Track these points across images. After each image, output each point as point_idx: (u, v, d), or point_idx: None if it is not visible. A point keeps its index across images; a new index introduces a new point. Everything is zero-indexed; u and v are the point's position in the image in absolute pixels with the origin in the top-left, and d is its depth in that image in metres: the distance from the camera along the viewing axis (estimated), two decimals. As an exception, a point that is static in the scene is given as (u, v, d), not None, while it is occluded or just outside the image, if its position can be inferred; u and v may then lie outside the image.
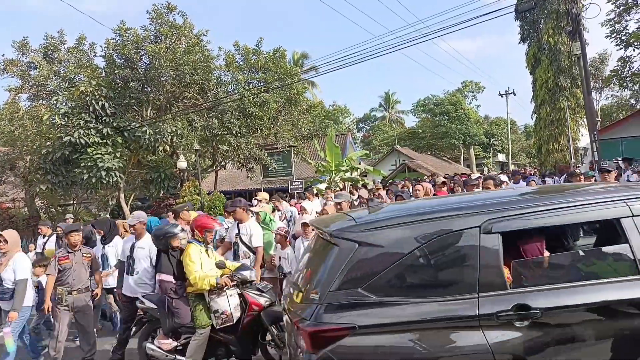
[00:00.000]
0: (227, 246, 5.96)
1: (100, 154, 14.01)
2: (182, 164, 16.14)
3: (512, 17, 25.45)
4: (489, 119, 51.75)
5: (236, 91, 16.96)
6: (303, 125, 19.62)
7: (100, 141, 14.17)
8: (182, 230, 5.03)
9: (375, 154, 43.76)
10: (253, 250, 5.69)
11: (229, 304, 4.55)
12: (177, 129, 15.25)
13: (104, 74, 15.56)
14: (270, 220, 6.19)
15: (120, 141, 14.64)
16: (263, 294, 4.76)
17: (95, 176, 14.03)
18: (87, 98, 14.03)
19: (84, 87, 14.10)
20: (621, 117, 29.79)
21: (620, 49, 23.90)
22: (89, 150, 13.95)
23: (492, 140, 46.50)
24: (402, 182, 12.43)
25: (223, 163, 19.72)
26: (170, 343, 4.72)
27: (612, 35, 23.55)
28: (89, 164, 13.91)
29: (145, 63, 15.21)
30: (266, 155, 18.80)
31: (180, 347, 4.77)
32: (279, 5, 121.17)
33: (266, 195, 8.34)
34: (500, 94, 36.78)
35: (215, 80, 16.66)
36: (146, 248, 5.41)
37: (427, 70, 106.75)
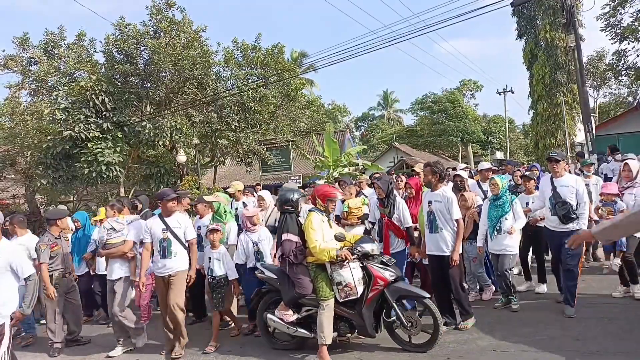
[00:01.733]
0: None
1: (101, 148, 14.08)
2: (181, 157, 16.24)
3: (510, 15, 25.71)
4: (487, 117, 51.92)
5: (235, 86, 17.09)
6: (301, 120, 19.75)
7: (100, 136, 14.25)
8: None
9: (374, 152, 43.92)
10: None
11: (352, 276, 4.35)
12: (177, 123, 15.36)
13: (103, 69, 15.63)
14: (225, 211, 6.00)
15: (120, 136, 14.73)
16: (388, 267, 4.53)
17: (95, 170, 14.12)
18: (87, 93, 14.12)
19: (84, 82, 14.19)
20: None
21: (615, 42, 24.14)
22: (89, 144, 14.03)
23: (490, 138, 46.67)
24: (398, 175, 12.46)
25: (222, 159, 19.83)
26: (291, 314, 4.57)
27: (607, 29, 23.75)
28: (90, 158, 13.99)
29: (144, 58, 15.30)
30: (265, 150, 18.93)
31: (301, 320, 4.65)
32: (278, 3, 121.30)
33: (240, 187, 8.08)
34: (498, 92, 37.04)
35: (214, 76, 16.78)
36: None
37: (427, 68, 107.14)
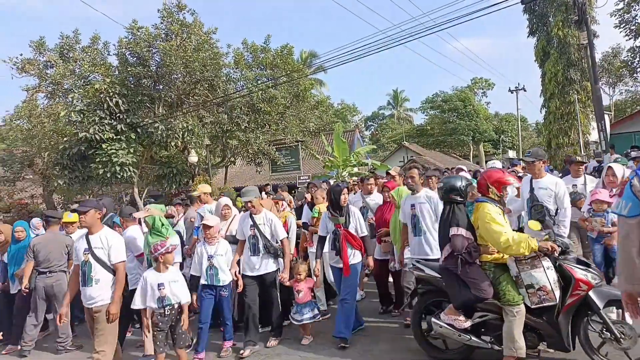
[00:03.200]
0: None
1: (115, 149, 14.43)
2: (193, 158, 16.54)
3: (521, 12, 25.51)
4: (499, 116, 51.54)
5: (245, 87, 17.32)
6: (310, 120, 19.91)
7: (114, 137, 14.60)
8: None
9: (384, 152, 43.90)
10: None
11: (547, 277, 3.70)
12: (188, 125, 15.64)
13: (117, 72, 16.01)
14: (163, 225, 5.27)
15: (133, 137, 15.06)
16: (589, 269, 3.85)
17: (110, 171, 14.47)
18: (102, 95, 14.47)
19: (98, 84, 14.54)
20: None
21: (630, 39, 23.81)
22: (103, 146, 14.38)
23: (502, 136, 46.31)
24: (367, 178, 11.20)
25: (233, 159, 20.09)
26: (464, 320, 3.93)
27: (622, 26, 23.45)
28: (104, 159, 14.35)
29: (156, 61, 15.62)
30: (274, 150, 19.13)
31: (473, 327, 4.02)
32: (285, 4, 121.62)
33: (207, 189, 7.36)
34: (510, 90, 36.66)
35: (224, 77, 17.04)
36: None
37: (437, 67, 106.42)
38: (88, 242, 4.28)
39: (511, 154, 46.58)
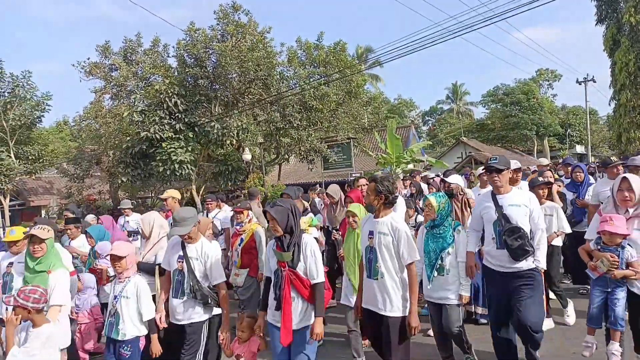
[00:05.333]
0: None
1: (174, 148, 14.99)
2: (247, 155, 16.88)
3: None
4: (566, 109, 48.50)
5: (297, 85, 17.41)
6: (363, 117, 19.69)
7: (173, 136, 15.17)
8: None
9: (442, 147, 42.68)
10: None
11: None
12: (243, 123, 15.95)
13: (176, 73, 16.61)
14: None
15: (191, 136, 15.58)
16: None
17: (169, 169, 15.06)
18: (162, 96, 15.06)
19: (158, 86, 15.17)
20: None
21: None
22: (163, 144, 14.98)
23: (568, 130, 43.55)
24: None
25: (286, 156, 20.29)
26: None
27: None
28: (164, 157, 14.94)
29: (213, 61, 16.04)
30: (326, 147, 19.10)
31: None
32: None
33: (175, 194, 6.45)
34: (578, 82, 34.38)
35: (278, 76, 17.21)
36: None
37: (499, 59, 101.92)
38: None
39: (579, 148, 43.77)
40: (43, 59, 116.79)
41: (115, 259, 3.65)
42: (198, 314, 3.74)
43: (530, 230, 3.74)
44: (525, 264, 3.67)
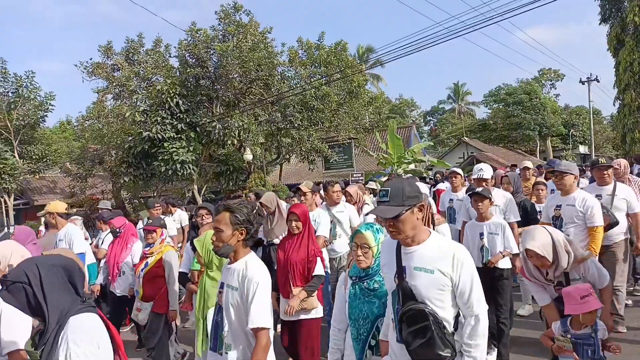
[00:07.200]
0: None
1: (176, 148, 15.04)
2: (248, 156, 16.94)
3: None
4: (569, 109, 48.34)
5: (298, 85, 17.46)
6: (364, 117, 19.72)
7: (175, 136, 15.23)
8: None
9: (443, 147, 42.65)
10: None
11: None
12: (244, 123, 16.01)
13: (177, 73, 16.68)
14: None
15: (193, 136, 15.63)
16: None
17: (171, 168, 15.13)
18: (163, 96, 15.11)
19: (160, 86, 15.23)
20: None
21: None
22: (165, 144, 15.04)
23: (571, 131, 43.41)
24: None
25: (287, 156, 20.34)
26: None
27: None
28: (166, 157, 15.00)
29: (214, 61, 16.10)
30: (327, 147, 19.14)
31: None
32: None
33: (60, 208, 5.33)
34: (581, 82, 34.27)
35: (279, 76, 17.26)
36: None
37: (501, 59, 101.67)
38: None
39: (582, 149, 43.61)
40: (45, 58, 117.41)
41: None
42: None
43: (458, 314, 2.16)
44: None
